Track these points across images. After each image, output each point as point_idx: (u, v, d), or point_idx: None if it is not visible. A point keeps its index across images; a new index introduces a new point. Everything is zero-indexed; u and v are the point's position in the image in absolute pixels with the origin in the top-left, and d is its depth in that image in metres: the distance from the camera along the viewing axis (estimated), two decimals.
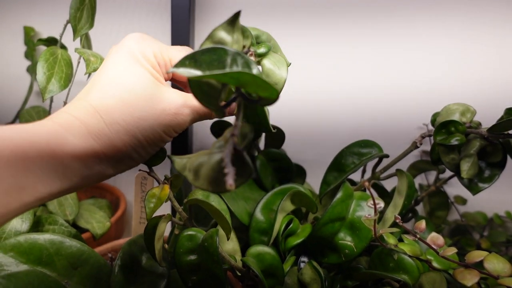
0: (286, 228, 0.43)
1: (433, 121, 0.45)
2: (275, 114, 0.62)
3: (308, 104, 0.62)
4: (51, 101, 0.54)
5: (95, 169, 0.27)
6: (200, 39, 0.61)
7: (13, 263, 0.37)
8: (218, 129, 0.56)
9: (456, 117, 0.42)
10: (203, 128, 0.67)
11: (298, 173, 0.54)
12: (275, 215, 0.42)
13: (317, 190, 0.48)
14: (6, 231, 0.44)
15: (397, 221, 0.34)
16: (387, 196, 0.47)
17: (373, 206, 0.32)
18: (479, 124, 0.42)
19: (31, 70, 0.63)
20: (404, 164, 0.52)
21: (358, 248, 0.40)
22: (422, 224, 0.35)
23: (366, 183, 0.29)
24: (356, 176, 0.49)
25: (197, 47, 0.61)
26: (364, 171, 0.49)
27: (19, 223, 0.46)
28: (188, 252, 0.34)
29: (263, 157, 0.51)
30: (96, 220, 0.52)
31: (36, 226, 0.45)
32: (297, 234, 0.44)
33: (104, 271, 0.39)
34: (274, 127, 0.53)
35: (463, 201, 0.57)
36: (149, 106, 0.29)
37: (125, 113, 0.28)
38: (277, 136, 0.52)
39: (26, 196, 0.24)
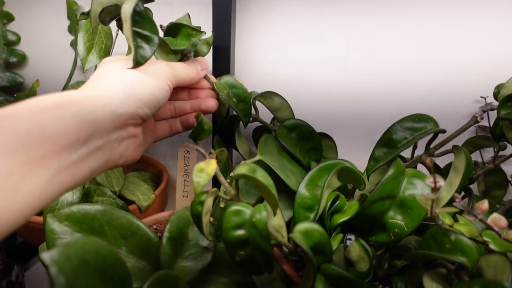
0: (332, 205, 0.42)
1: (496, 94, 0.42)
2: (329, 92, 0.60)
3: (358, 79, 0.59)
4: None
5: (105, 110, 0.31)
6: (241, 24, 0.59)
7: (68, 232, 0.38)
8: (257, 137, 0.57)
9: None
10: None
11: (326, 141, 0.54)
12: (321, 191, 0.41)
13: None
14: (59, 202, 0.45)
15: (457, 200, 0.32)
16: (440, 174, 0.45)
17: (432, 184, 0.30)
18: None
19: (75, 44, 0.64)
20: (458, 141, 0.49)
21: (409, 228, 0.38)
22: (484, 204, 0.32)
23: (428, 160, 0.27)
24: (406, 153, 0.47)
25: (238, 30, 0.59)
26: (415, 148, 0.47)
27: (70, 195, 0.47)
28: (235, 227, 0.34)
29: (282, 129, 0.53)
30: (141, 192, 0.53)
31: (86, 197, 0.47)
32: (344, 211, 0.42)
33: (152, 242, 0.40)
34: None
35: None
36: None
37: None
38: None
39: (58, 146, 0.27)
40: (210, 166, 0.34)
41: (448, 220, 0.35)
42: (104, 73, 0.35)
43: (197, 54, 0.48)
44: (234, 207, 0.34)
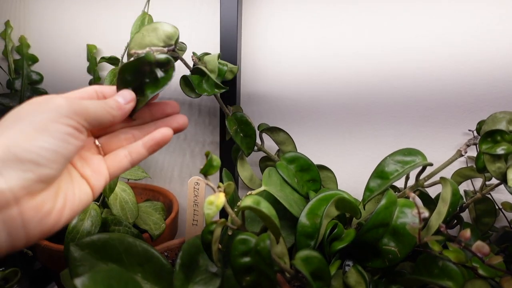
0: (331, 232, 0.46)
1: (478, 129, 0.46)
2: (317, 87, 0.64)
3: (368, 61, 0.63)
4: None
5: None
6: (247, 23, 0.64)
7: (89, 259, 0.42)
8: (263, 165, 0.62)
9: (502, 125, 0.42)
10: None
11: (326, 173, 0.58)
12: (320, 220, 0.44)
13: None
14: (79, 230, 0.49)
15: (441, 229, 0.36)
16: (431, 203, 0.48)
17: (417, 215, 0.33)
18: None
19: (93, 84, 0.70)
20: (448, 170, 0.52)
21: (402, 254, 0.42)
22: (467, 232, 0.36)
23: (412, 194, 0.31)
24: (399, 183, 0.50)
25: (244, 32, 0.64)
26: (407, 178, 0.50)
27: (89, 224, 0.51)
28: (242, 255, 0.37)
29: (282, 161, 0.56)
30: (153, 222, 0.57)
31: (104, 226, 0.51)
32: (342, 238, 0.46)
33: (165, 268, 0.43)
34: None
35: (511, 207, 0.56)
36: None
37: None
38: None
39: None
40: (219, 200, 0.38)
41: (436, 247, 0.39)
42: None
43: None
44: (241, 236, 0.38)
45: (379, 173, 0.47)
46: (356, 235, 0.43)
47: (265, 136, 0.62)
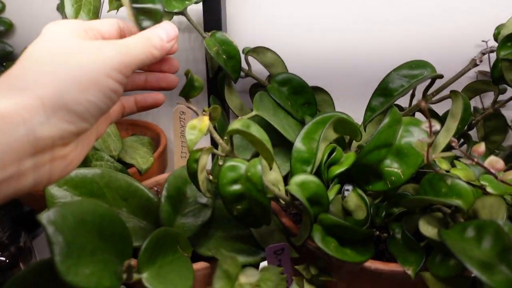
0: (329, 157, 0.42)
1: (496, 35, 0.40)
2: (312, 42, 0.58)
3: (354, 28, 0.57)
4: None
5: (19, 132, 0.23)
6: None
7: (68, 196, 0.39)
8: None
9: None
10: None
11: (322, 96, 0.53)
12: (317, 144, 0.40)
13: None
14: None
15: (453, 144, 0.32)
16: (438, 121, 0.44)
17: (428, 129, 0.29)
18: None
19: (61, 7, 0.62)
20: (457, 88, 0.48)
21: (406, 175, 0.38)
22: (481, 147, 0.32)
23: (423, 103, 0.27)
24: (404, 102, 0.46)
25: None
26: (413, 95, 0.46)
27: None
28: (231, 183, 0.34)
29: (273, 84, 0.51)
30: (140, 155, 0.53)
31: (84, 162, 0.47)
32: (341, 162, 0.42)
33: (151, 202, 0.40)
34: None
35: None
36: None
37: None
38: None
39: None
40: (203, 123, 0.34)
41: (445, 165, 0.35)
42: (32, 58, 0.26)
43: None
44: (230, 163, 0.34)
45: (382, 90, 0.42)
46: (356, 158, 0.40)
47: (252, 61, 0.56)
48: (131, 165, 0.53)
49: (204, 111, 0.37)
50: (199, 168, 0.35)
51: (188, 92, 0.36)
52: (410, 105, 0.46)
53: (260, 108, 0.46)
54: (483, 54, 0.39)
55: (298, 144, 0.42)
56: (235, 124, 0.35)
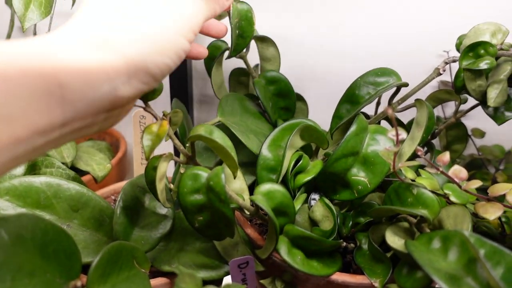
0: (296, 165, 0.41)
1: (458, 45, 0.41)
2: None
3: (314, 34, 0.56)
4: (34, 34, 0.49)
5: (102, 89, 0.22)
6: None
7: (10, 207, 0.35)
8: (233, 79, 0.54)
9: (486, 38, 0.38)
10: (203, 76, 0.62)
11: (300, 104, 0.52)
12: (283, 151, 0.39)
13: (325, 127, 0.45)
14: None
15: (419, 153, 0.32)
16: (404, 129, 0.44)
17: (394, 137, 0.29)
18: (511, 46, 0.38)
19: (9, 1, 0.57)
20: (420, 97, 0.48)
21: (372, 184, 0.38)
22: (446, 156, 0.32)
23: (389, 111, 0.26)
24: (370, 110, 0.46)
25: None
26: (378, 103, 0.46)
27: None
28: (192, 192, 0.32)
29: (261, 79, 0.49)
30: (96, 162, 0.50)
31: (32, 169, 0.43)
32: (307, 171, 0.41)
33: (106, 213, 0.37)
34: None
35: (481, 134, 0.54)
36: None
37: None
38: None
39: (19, 128, 0.19)
40: (161, 128, 0.31)
41: (410, 175, 0.35)
42: (111, 8, 0.24)
43: None
44: (191, 171, 0.32)
45: (349, 97, 0.42)
46: (323, 166, 0.39)
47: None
48: (86, 173, 0.49)
49: (164, 115, 0.34)
50: (158, 176, 0.33)
51: (147, 94, 0.34)
52: (375, 112, 0.46)
53: (225, 113, 0.44)
54: (446, 63, 0.39)
55: (264, 152, 0.41)
56: (197, 130, 0.33)
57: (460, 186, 0.33)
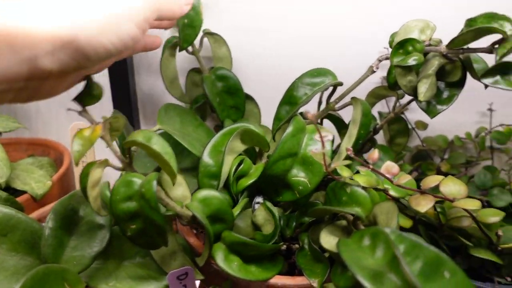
0: (237, 169, 0.40)
1: (391, 42, 0.41)
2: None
3: (255, 35, 0.56)
4: None
5: (23, 54, 0.22)
6: None
7: None
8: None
9: (415, 35, 0.38)
10: (147, 82, 0.60)
11: (252, 107, 0.52)
12: (222, 157, 0.39)
13: None
14: None
15: (348, 153, 0.32)
16: (345, 127, 0.45)
17: (320, 139, 0.29)
18: (440, 41, 0.39)
19: None
20: (363, 93, 0.49)
21: (312, 184, 0.38)
22: (375, 154, 0.32)
23: (309, 115, 0.26)
24: (312, 108, 0.46)
25: None
26: (320, 102, 0.46)
27: None
28: (125, 199, 0.31)
29: (210, 75, 0.49)
30: (35, 180, 0.48)
31: None
32: (250, 174, 0.41)
33: (38, 235, 0.36)
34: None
35: (424, 126, 0.56)
36: None
37: None
38: None
39: None
40: (94, 133, 0.30)
41: (346, 173, 0.35)
42: None
43: None
44: (125, 178, 0.31)
45: (288, 98, 0.42)
46: (263, 169, 0.39)
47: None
48: (24, 192, 0.47)
49: (104, 120, 0.33)
50: (90, 184, 0.31)
51: (84, 98, 0.32)
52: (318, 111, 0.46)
53: (165, 121, 0.43)
54: (380, 61, 0.40)
55: (205, 158, 0.40)
56: (134, 136, 0.32)
57: (392, 181, 0.33)
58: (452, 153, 0.56)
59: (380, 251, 0.27)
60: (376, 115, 0.55)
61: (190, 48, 0.50)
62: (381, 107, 0.57)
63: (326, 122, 0.46)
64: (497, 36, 0.32)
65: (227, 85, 0.50)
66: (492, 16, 0.31)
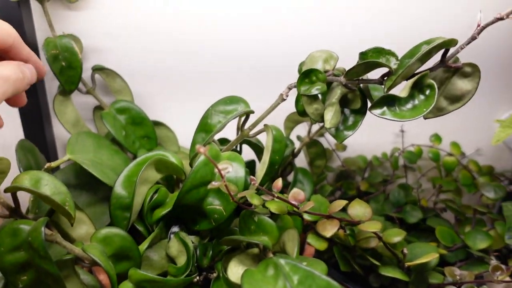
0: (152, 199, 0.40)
1: (300, 71, 0.43)
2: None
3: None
4: None
5: None
6: None
7: None
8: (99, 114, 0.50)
9: (319, 65, 0.40)
10: None
11: (166, 132, 0.52)
12: (134, 187, 0.38)
13: None
14: None
15: (252, 182, 0.32)
16: (262, 153, 0.46)
17: (218, 172, 0.29)
18: (344, 70, 0.41)
19: None
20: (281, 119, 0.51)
21: (227, 211, 0.38)
22: (279, 182, 0.33)
23: (201, 149, 0.26)
24: (231, 135, 0.47)
25: None
26: (238, 129, 0.46)
27: None
28: (12, 250, 0.29)
29: (110, 110, 0.49)
30: None
31: None
32: (166, 204, 0.40)
33: None
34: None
35: (343, 148, 0.58)
36: None
37: None
38: None
39: None
40: None
41: (256, 201, 0.36)
42: None
43: None
44: (10, 226, 0.29)
45: (203, 126, 0.42)
46: (176, 199, 0.38)
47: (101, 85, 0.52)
48: None
49: None
50: None
51: None
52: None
53: (76, 150, 0.42)
54: (290, 89, 0.41)
55: (118, 189, 0.39)
56: (19, 179, 0.30)
57: (297, 208, 0.34)
58: (371, 172, 0.60)
59: (281, 281, 0.28)
60: (298, 137, 0.57)
61: (83, 88, 0.50)
62: (304, 131, 0.59)
63: (245, 147, 0.47)
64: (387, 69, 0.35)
65: (131, 116, 0.49)
66: (380, 51, 0.34)
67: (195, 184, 0.37)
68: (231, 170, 0.29)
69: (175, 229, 0.40)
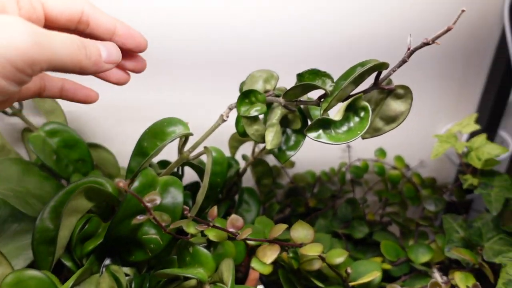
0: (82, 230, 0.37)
1: (240, 91, 0.42)
2: None
3: None
4: None
5: None
6: None
7: None
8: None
9: (259, 85, 0.40)
10: None
11: (105, 154, 0.49)
12: (60, 218, 0.35)
13: None
14: None
15: (185, 213, 0.31)
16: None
17: (148, 204, 0.27)
18: (285, 90, 0.41)
19: None
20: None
21: (165, 240, 0.36)
22: (214, 211, 0.32)
23: (121, 184, 0.24)
24: (173, 157, 0.45)
25: None
26: (179, 151, 0.45)
27: None
28: None
29: (39, 133, 0.45)
30: None
31: None
32: (98, 234, 0.38)
33: None
34: None
35: (291, 164, 0.58)
36: None
37: None
38: None
39: None
40: None
41: (192, 230, 0.34)
42: None
43: None
44: None
45: (140, 149, 0.39)
46: (107, 230, 0.36)
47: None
48: None
49: None
50: None
51: None
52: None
53: None
54: (230, 109, 0.40)
55: (42, 222, 0.36)
56: None
57: (235, 235, 0.33)
58: (320, 188, 0.60)
59: None
60: (244, 156, 0.56)
61: (8, 110, 0.46)
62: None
63: (188, 169, 0.45)
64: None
65: (63, 139, 0.46)
66: (316, 73, 0.34)
67: (128, 214, 0.35)
68: (161, 199, 0.27)
69: (107, 261, 0.37)
